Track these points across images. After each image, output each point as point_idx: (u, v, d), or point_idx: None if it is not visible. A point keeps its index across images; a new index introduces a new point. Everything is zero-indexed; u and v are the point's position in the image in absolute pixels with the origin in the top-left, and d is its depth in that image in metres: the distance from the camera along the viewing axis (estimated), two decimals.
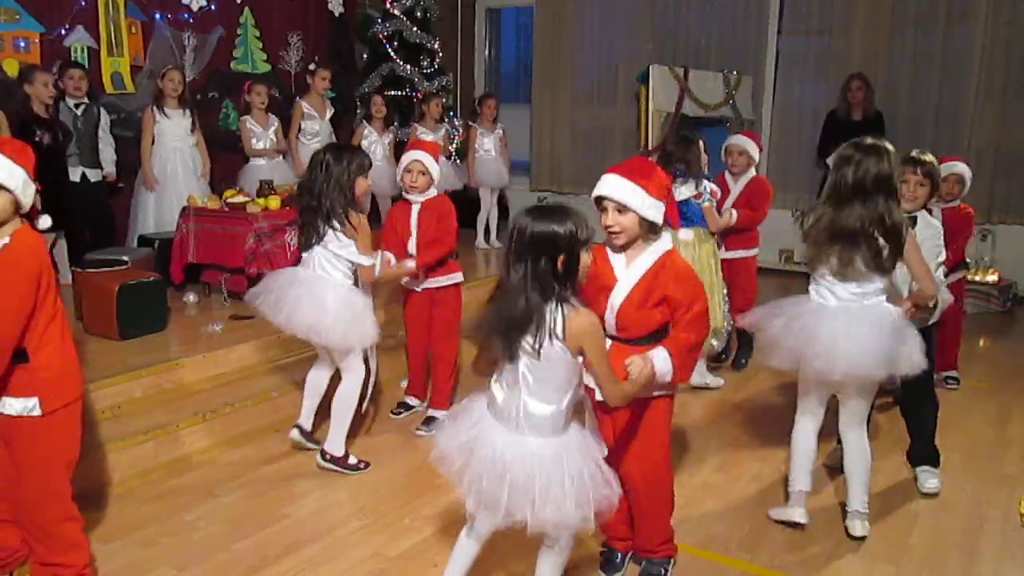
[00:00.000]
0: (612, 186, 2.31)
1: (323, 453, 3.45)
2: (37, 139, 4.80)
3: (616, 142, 8.23)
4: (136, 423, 3.48)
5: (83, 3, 5.74)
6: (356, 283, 3.36)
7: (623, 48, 8.09)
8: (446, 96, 7.55)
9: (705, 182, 4.16)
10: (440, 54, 7.58)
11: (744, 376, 4.74)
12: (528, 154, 8.77)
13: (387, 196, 6.84)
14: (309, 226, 3.26)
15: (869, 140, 2.81)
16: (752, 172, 4.62)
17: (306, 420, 3.62)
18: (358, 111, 7.37)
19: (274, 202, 4.96)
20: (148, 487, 3.27)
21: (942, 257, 3.20)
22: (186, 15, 6.39)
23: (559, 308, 1.96)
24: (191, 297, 4.90)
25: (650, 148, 6.72)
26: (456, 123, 7.57)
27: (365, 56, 7.64)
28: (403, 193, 3.80)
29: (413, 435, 3.84)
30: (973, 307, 6.30)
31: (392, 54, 7.33)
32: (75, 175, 5.32)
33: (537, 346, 1.97)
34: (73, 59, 5.59)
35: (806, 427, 3.04)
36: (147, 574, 2.69)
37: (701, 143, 4.23)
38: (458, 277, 3.90)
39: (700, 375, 4.40)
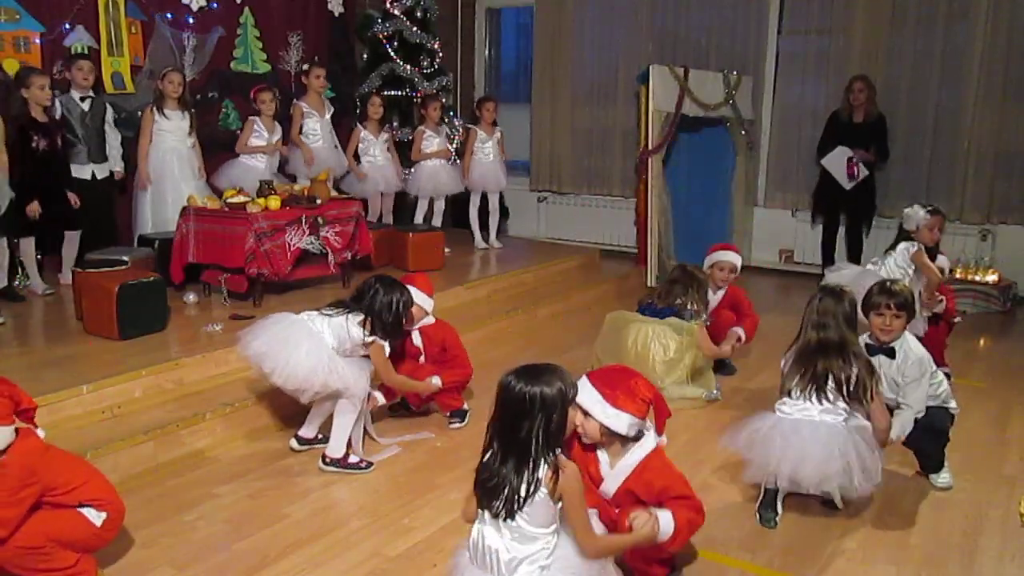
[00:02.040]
0: (581, 391, 2.33)
1: (323, 457, 3.46)
2: (33, 145, 4.80)
3: (616, 142, 8.24)
4: (136, 423, 3.48)
5: (83, 3, 5.74)
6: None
7: (623, 48, 8.09)
8: (446, 96, 7.55)
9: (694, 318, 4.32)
10: (440, 54, 7.58)
11: (744, 377, 4.75)
12: (528, 154, 8.77)
13: (390, 195, 6.87)
14: (342, 305, 3.41)
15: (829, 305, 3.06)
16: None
17: (306, 431, 3.67)
18: (358, 111, 7.37)
19: (274, 202, 4.95)
20: (148, 487, 3.27)
21: (921, 391, 3.27)
22: (186, 15, 6.39)
23: (546, 464, 2.01)
24: (191, 297, 4.90)
25: (650, 148, 6.72)
26: (456, 123, 7.57)
27: (365, 56, 7.64)
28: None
29: (446, 430, 3.94)
30: (973, 307, 6.30)
31: (392, 54, 7.33)
32: (85, 173, 5.33)
33: (524, 500, 2.01)
34: (79, 51, 5.60)
35: None
36: (147, 574, 2.69)
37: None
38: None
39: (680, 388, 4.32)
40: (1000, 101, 6.58)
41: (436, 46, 7.52)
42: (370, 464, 3.49)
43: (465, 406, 4.02)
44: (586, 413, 2.34)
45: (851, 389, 2.96)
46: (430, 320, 3.89)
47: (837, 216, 6.94)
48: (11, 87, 4.98)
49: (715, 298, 4.68)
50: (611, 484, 2.44)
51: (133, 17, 6.07)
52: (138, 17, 6.10)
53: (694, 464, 3.57)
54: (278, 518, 3.06)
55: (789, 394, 3.06)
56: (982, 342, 5.66)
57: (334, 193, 5.59)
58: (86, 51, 5.72)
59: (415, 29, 7.34)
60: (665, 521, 2.33)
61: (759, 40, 7.53)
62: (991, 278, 6.45)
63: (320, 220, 5.10)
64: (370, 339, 3.37)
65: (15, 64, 5.28)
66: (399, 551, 2.85)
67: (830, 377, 2.97)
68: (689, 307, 4.32)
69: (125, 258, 4.65)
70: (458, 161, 7.10)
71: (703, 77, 7.03)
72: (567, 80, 8.43)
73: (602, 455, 2.46)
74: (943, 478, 3.40)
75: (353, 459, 3.47)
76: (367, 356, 3.44)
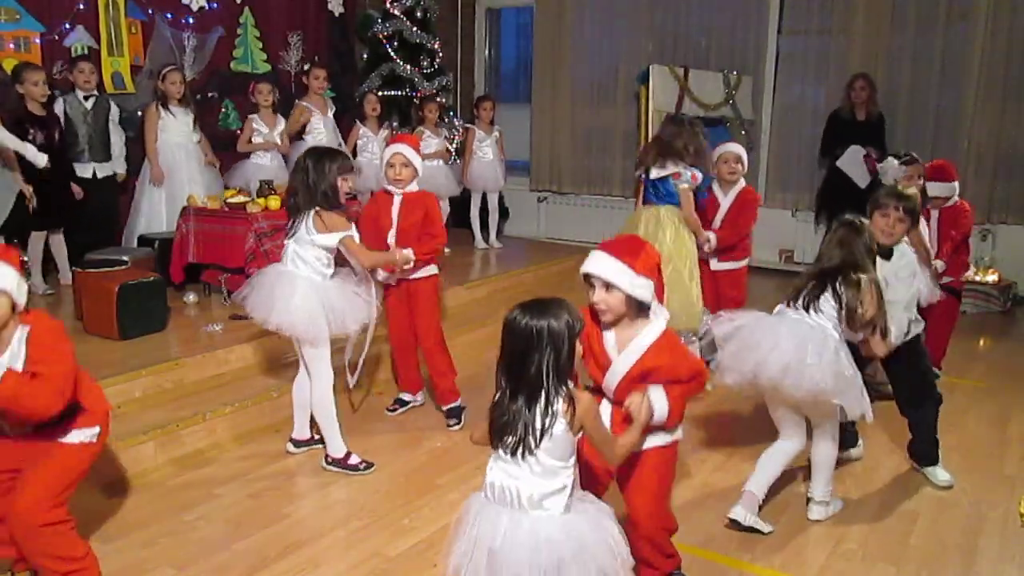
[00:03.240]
0: (599, 264, 2.29)
1: (326, 458, 3.47)
2: (30, 137, 4.79)
3: (616, 142, 8.23)
4: (136, 423, 3.48)
5: (82, 5, 5.74)
6: (332, 274, 3.40)
7: (623, 48, 8.08)
8: (445, 96, 7.55)
9: (689, 170, 4.16)
10: (440, 54, 7.58)
11: None
12: (528, 154, 8.78)
13: None
14: (290, 222, 3.42)
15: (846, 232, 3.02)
16: (742, 183, 4.49)
17: (299, 432, 3.67)
18: (358, 110, 7.37)
19: (274, 202, 4.96)
20: (148, 487, 3.27)
21: (913, 289, 3.25)
22: (186, 15, 6.39)
23: (561, 397, 1.99)
24: (191, 297, 4.90)
25: None
26: (456, 123, 7.57)
27: (365, 56, 7.64)
28: (386, 185, 3.84)
29: (446, 430, 3.92)
30: (973, 307, 6.30)
31: (392, 54, 7.33)
32: (86, 171, 5.32)
33: (541, 435, 1.98)
34: (80, 53, 5.61)
35: (781, 445, 3.10)
36: (147, 574, 2.69)
37: (696, 127, 4.24)
38: (433, 269, 3.93)
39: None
40: (1000, 101, 6.57)
41: (436, 46, 7.51)
42: (370, 465, 3.49)
43: (461, 402, 4.02)
44: (609, 285, 2.27)
45: (841, 306, 2.85)
46: (414, 187, 3.81)
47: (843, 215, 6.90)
48: (7, 84, 4.98)
49: (726, 200, 4.45)
50: (622, 366, 2.36)
51: (133, 17, 6.07)
52: (138, 17, 6.10)
53: (694, 463, 3.58)
54: (278, 518, 3.06)
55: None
56: (982, 342, 5.66)
57: None
58: (86, 52, 5.73)
59: (415, 29, 7.34)
60: (659, 402, 2.30)
61: (759, 40, 7.52)
62: (991, 278, 6.45)
63: None
64: (336, 239, 3.32)
65: (14, 64, 5.28)
66: (399, 551, 2.85)
67: (822, 284, 2.89)
68: (683, 171, 4.13)
69: (125, 258, 4.65)
70: (458, 161, 7.10)
71: (703, 77, 7.03)
72: (567, 80, 8.43)
73: (607, 335, 2.38)
74: (943, 476, 3.40)
75: (355, 459, 3.47)
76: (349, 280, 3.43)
